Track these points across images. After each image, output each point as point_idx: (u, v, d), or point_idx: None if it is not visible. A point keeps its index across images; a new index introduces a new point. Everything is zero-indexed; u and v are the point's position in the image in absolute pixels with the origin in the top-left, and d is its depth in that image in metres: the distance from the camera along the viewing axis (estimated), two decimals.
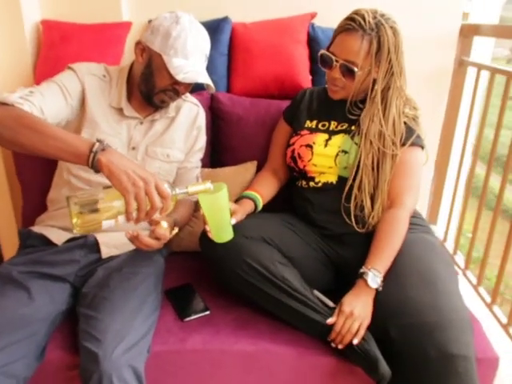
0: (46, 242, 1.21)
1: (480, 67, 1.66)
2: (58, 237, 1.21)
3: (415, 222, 1.27)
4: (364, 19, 1.16)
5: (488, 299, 1.52)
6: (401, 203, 1.22)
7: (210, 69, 1.62)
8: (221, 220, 1.07)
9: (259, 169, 1.51)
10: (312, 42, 1.68)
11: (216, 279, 1.28)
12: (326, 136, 1.30)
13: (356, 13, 1.19)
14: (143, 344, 1.04)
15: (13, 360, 0.97)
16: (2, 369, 0.95)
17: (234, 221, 1.15)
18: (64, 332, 1.12)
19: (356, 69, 1.19)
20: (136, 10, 1.73)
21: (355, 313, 1.07)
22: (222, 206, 1.04)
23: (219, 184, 1.02)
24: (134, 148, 1.27)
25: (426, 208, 1.99)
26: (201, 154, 1.44)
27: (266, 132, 1.54)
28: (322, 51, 1.25)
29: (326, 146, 1.28)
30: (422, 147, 1.28)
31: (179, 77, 1.14)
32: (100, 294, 1.10)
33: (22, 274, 1.11)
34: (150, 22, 1.68)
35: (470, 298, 1.56)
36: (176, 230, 1.17)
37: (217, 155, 1.60)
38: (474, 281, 1.62)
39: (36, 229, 1.26)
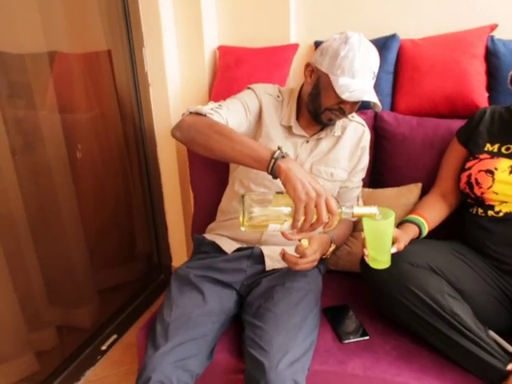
0: (217, 249, 1.32)
1: None
2: (228, 246, 1.31)
3: None
4: None
5: None
6: None
7: (375, 87, 1.62)
8: (381, 247, 1.05)
9: (424, 192, 1.43)
10: (491, 56, 1.54)
11: (375, 303, 1.24)
12: (510, 162, 1.18)
13: None
14: (305, 360, 1.06)
15: (189, 356, 1.07)
16: (179, 362, 1.05)
17: (394, 249, 1.10)
18: (230, 336, 1.20)
19: None
20: (304, 31, 1.80)
21: None
22: (385, 234, 1.02)
23: (387, 210, 1.00)
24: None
25: None
26: (363, 174, 1.42)
27: (433, 153, 1.47)
28: None
29: (510, 173, 1.16)
30: None
31: (344, 95, 1.14)
32: (264, 305, 1.16)
33: (198, 277, 1.23)
34: (315, 43, 1.76)
35: None
36: (333, 246, 1.19)
37: (378, 175, 1.57)
38: None
39: (208, 236, 1.38)
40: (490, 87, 1.54)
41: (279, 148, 1.02)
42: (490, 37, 1.56)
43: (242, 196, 0.98)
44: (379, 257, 1.06)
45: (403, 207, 1.43)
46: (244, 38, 1.84)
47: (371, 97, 1.17)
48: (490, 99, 1.53)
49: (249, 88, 1.34)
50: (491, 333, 1.06)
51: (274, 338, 1.06)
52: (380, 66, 1.60)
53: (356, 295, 1.35)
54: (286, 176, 0.96)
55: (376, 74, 1.21)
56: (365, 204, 1.45)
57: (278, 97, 1.34)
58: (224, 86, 1.76)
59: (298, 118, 1.32)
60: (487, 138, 1.27)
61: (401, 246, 1.12)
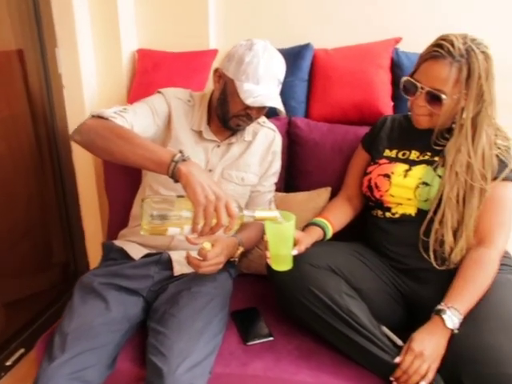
0: (126, 256, 1.29)
1: None
2: (136, 252, 1.29)
3: (503, 261, 1.17)
4: (453, 45, 1.10)
5: None
6: (491, 242, 1.14)
7: (290, 94, 1.67)
8: (282, 250, 1.07)
9: (333, 195, 1.49)
10: (395, 67, 1.64)
11: (279, 304, 1.27)
12: (405, 166, 1.25)
13: (444, 39, 1.13)
14: (206, 364, 1.06)
15: (87, 366, 1.04)
16: (76, 374, 1.02)
17: (295, 252, 1.12)
18: (134, 344, 1.18)
19: (444, 96, 1.12)
20: (223, 37, 1.81)
21: (426, 353, 1.00)
22: (286, 237, 1.05)
23: (288, 214, 1.04)
24: (210, 170, 1.32)
25: None
26: (275, 179, 1.45)
27: (342, 158, 1.53)
28: (406, 78, 1.21)
29: (405, 176, 1.23)
30: None
31: (249, 101, 1.17)
32: (169, 311, 1.15)
33: (102, 284, 1.20)
34: None
35: None
36: (241, 249, 1.22)
37: (291, 180, 1.61)
38: None
39: (118, 243, 1.35)
40: (395, 96, 1.63)
41: (181, 151, 1.02)
42: (394, 49, 1.65)
43: (143, 200, 0.98)
44: (280, 260, 1.08)
45: (313, 210, 1.48)
46: (164, 42, 1.82)
47: (275, 103, 1.20)
48: (395, 108, 1.62)
49: (159, 92, 1.34)
50: (384, 328, 1.11)
51: (176, 343, 1.05)
52: (294, 74, 1.68)
53: (266, 297, 1.38)
54: (186, 179, 0.96)
55: (281, 81, 1.25)
56: (278, 208, 1.48)
57: (189, 101, 1.34)
58: (141, 89, 1.74)
59: (209, 122, 1.33)
60: (387, 144, 1.34)
61: (302, 247, 1.15)
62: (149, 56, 1.79)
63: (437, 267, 1.16)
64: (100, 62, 1.79)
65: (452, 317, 1.03)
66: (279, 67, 1.23)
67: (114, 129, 1.09)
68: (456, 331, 1.02)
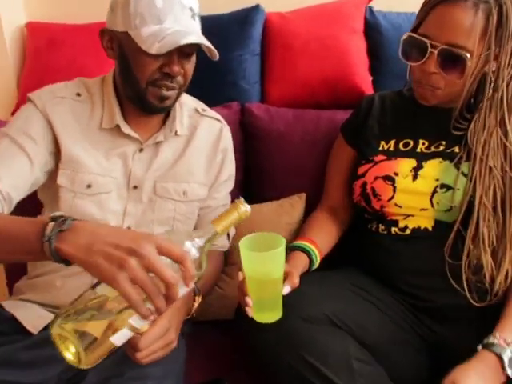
0: (20, 328, 0.85)
1: None
2: (35, 321, 0.86)
3: None
4: None
5: None
6: None
7: (238, 73, 1.29)
8: (268, 290, 0.74)
9: (310, 204, 1.13)
10: (371, 31, 1.30)
11: (260, 369, 0.89)
12: (412, 162, 0.90)
13: None
14: None
15: None
16: None
17: (287, 289, 0.76)
18: None
19: (467, 55, 0.80)
20: None
21: None
22: (274, 270, 0.72)
23: (274, 236, 0.73)
24: (135, 187, 0.92)
25: None
26: (229, 186, 1.07)
27: (317, 152, 1.18)
28: (408, 34, 0.87)
29: (415, 178, 0.88)
30: None
31: (154, 48, 0.80)
32: None
33: None
34: None
35: None
36: (198, 300, 0.86)
37: (252, 186, 1.24)
38: None
39: (8, 305, 0.90)
40: (373, 70, 1.30)
41: (53, 218, 0.63)
42: (368, 8, 1.31)
43: (50, 327, 0.61)
44: (266, 304, 0.76)
45: (287, 227, 1.11)
46: (63, 12, 1.39)
47: (195, 38, 0.82)
48: (375, 84, 1.29)
49: (28, 100, 0.90)
50: None
51: None
52: (243, 46, 1.30)
53: (234, 354, 1.00)
54: (78, 259, 0.60)
55: (196, 11, 0.86)
56: (237, 228, 1.09)
57: (79, 95, 0.92)
58: (35, 76, 1.30)
59: (123, 114, 0.92)
60: (380, 133, 0.98)
61: (295, 281, 0.78)
62: (42, 31, 1.35)
63: (474, 303, 0.83)
64: None
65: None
66: None
67: None
68: None
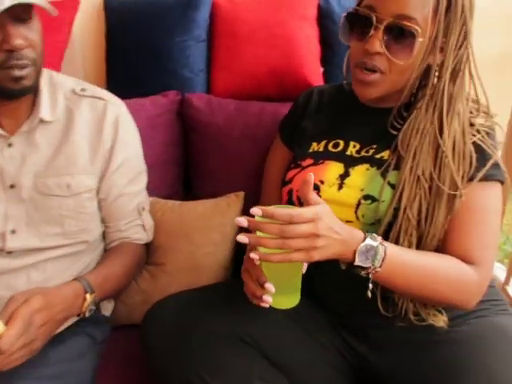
0: None
1: None
2: None
3: (488, 296, 0.79)
4: None
5: None
6: (479, 263, 0.74)
7: (181, 60, 1.20)
8: (290, 273, 0.69)
9: (248, 203, 1.04)
10: (324, 18, 1.20)
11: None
12: (340, 168, 0.81)
13: None
14: None
15: None
16: None
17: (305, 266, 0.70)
18: None
19: (418, 29, 0.71)
20: None
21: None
22: None
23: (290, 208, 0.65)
24: (12, 186, 0.82)
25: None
26: (135, 169, 0.94)
27: (257, 148, 1.10)
28: (351, 9, 0.78)
29: (340, 187, 0.80)
30: (502, 182, 0.78)
31: None
32: None
33: None
34: None
35: None
36: (90, 298, 0.78)
37: (190, 182, 1.17)
38: None
39: None
40: (325, 60, 1.21)
41: None
42: None
43: None
44: (287, 289, 0.70)
45: (220, 228, 1.04)
46: None
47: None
48: (326, 76, 1.20)
49: None
50: None
51: None
52: (187, 32, 1.21)
53: None
54: None
55: None
56: (167, 224, 1.03)
57: None
58: None
59: None
60: (313, 133, 0.89)
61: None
62: None
63: (384, 313, 0.75)
64: None
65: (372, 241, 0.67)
66: None
67: None
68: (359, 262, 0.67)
